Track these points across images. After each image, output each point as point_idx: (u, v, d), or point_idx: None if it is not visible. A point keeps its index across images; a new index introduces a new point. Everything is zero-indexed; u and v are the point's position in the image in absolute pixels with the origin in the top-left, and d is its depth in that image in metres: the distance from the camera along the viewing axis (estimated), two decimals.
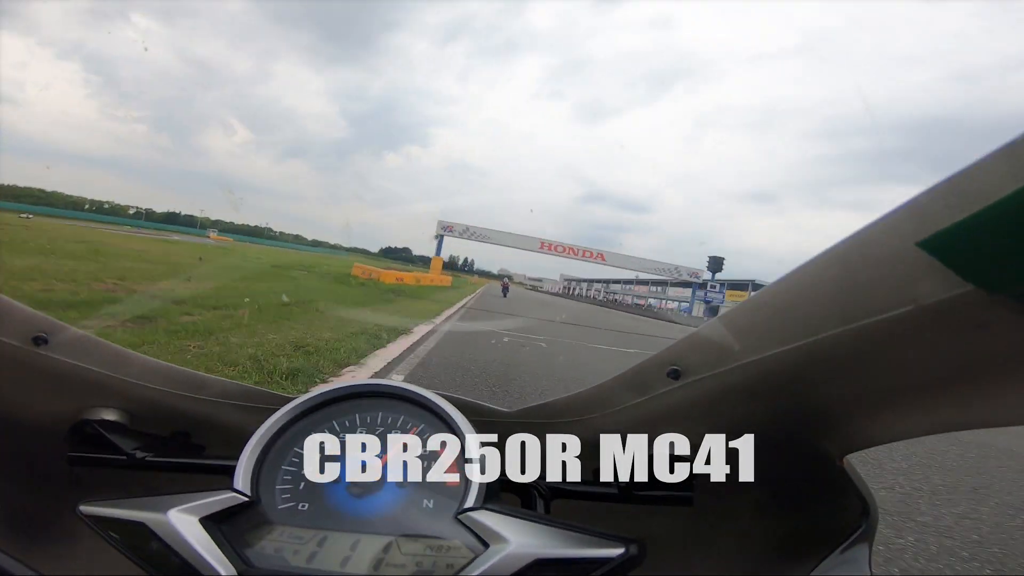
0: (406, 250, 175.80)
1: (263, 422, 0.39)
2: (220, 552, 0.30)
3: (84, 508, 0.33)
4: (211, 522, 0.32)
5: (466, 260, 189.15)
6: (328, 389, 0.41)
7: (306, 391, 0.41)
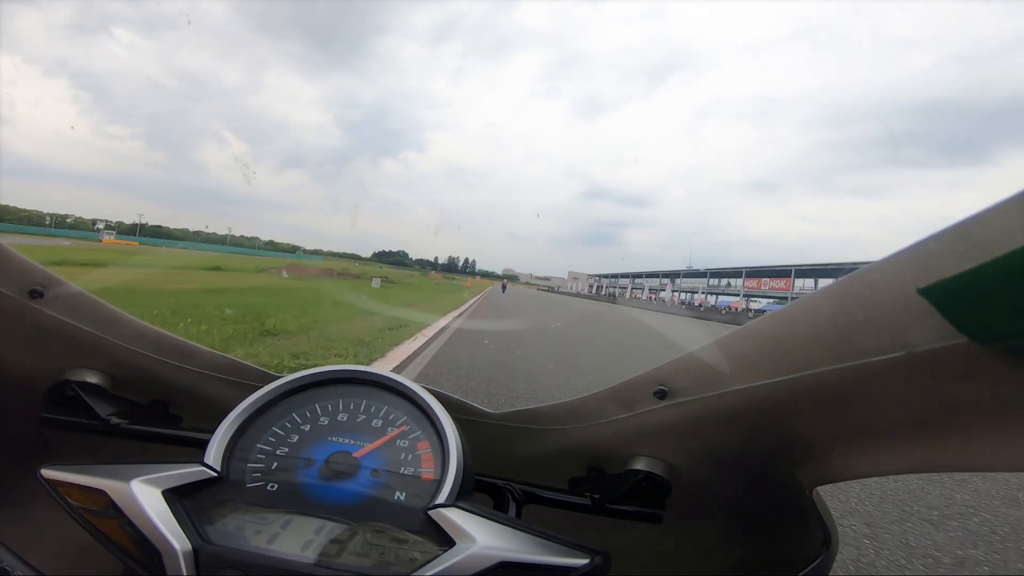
0: (401, 253, 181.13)
1: (245, 398, 0.40)
2: (178, 525, 0.31)
3: (45, 472, 0.33)
4: (174, 495, 0.32)
5: (467, 260, 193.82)
6: (314, 371, 0.42)
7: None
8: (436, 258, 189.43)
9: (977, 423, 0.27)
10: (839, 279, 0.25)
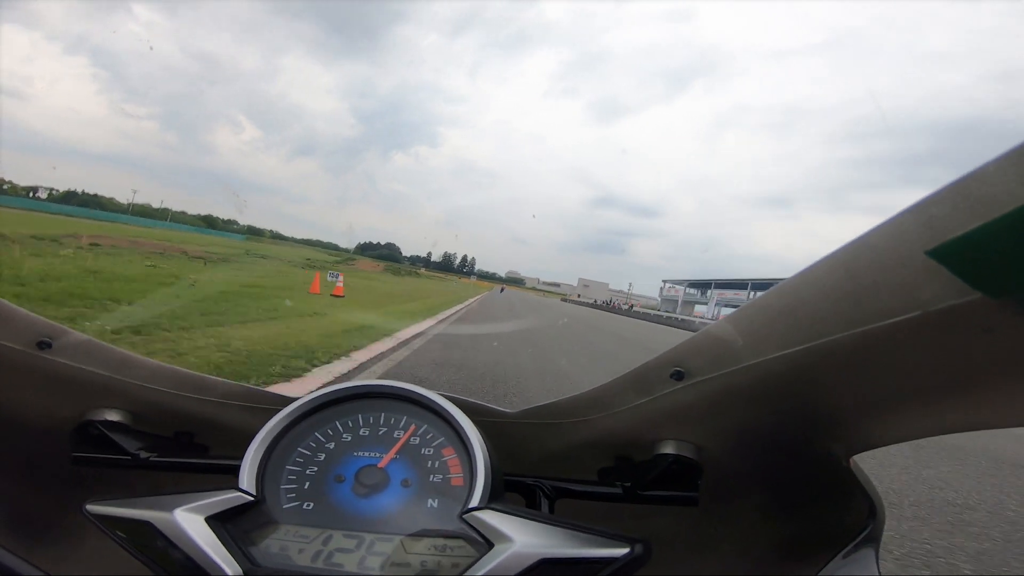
0: (390, 246, 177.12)
1: (266, 422, 0.44)
2: (226, 551, 0.34)
3: (91, 507, 0.37)
4: (216, 521, 0.36)
5: (465, 259, 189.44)
6: (331, 390, 0.47)
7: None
8: (429, 254, 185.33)
9: (1005, 377, 0.28)
10: (844, 245, 0.27)
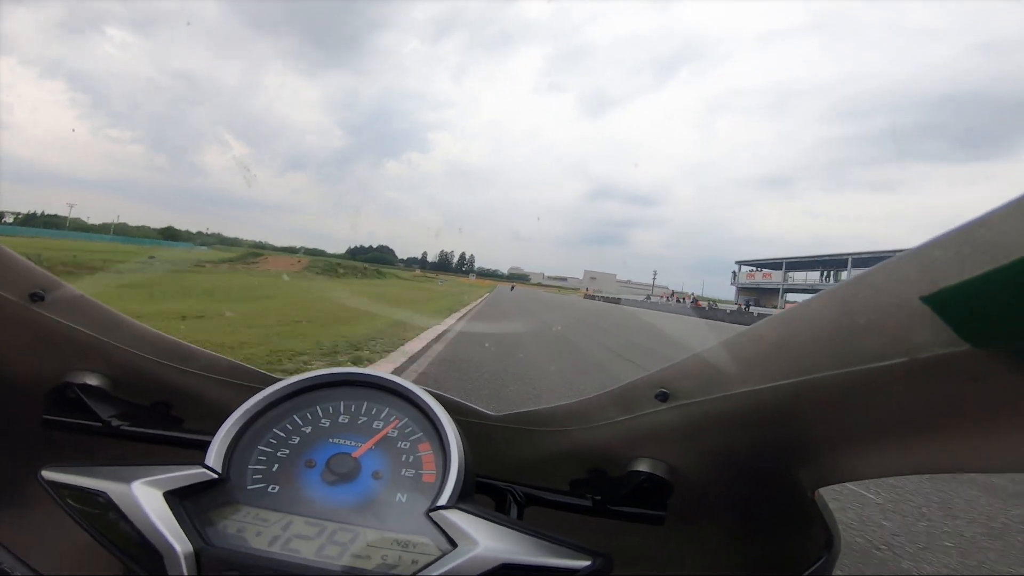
0: (383, 249, 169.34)
1: (246, 400, 0.44)
2: (179, 527, 0.33)
3: (46, 473, 0.37)
4: (175, 497, 0.36)
5: (463, 257, 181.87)
6: (315, 374, 0.47)
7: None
8: (424, 254, 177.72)
9: (980, 424, 0.29)
10: (842, 282, 0.28)
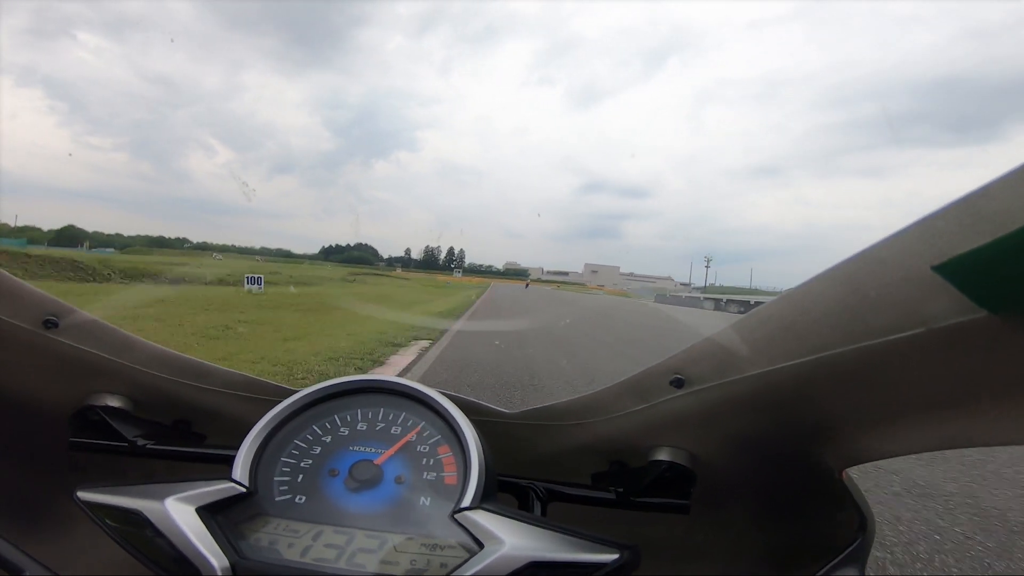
0: (362, 247, 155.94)
1: (265, 413, 0.46)
2: (214, 543, 0.35)
3: (81, 494, 0.39)
4: (207, 512, 0.38)
5: (452, 253, 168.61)
6: (331, 383, 0.49)
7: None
8: (408, 251, 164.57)
9: (1003, 395, 0.30)
10: (849, 258, 0.28)
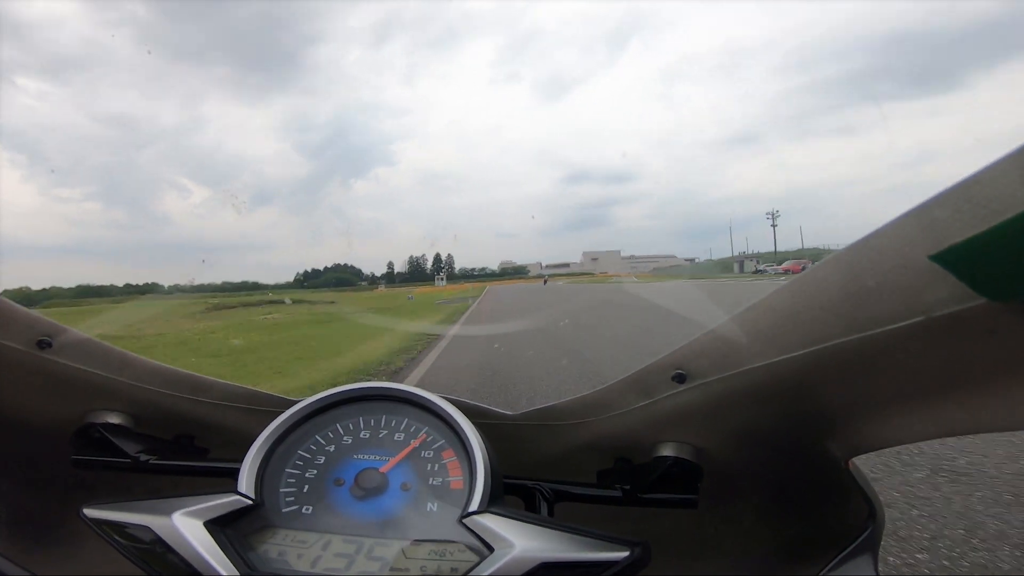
0: (340, 268, 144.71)
1: (266, 425, 0.47)
2: (224, 556, 0.36)
3: (88, 511, 0.40)
4: (215, 525, 0.38)
5: (438, 259, 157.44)
6: (332, 392, 0.50)
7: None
8: (391, 264, 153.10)
9: (1004, 380, 0.31)
10: (846, 247, 0.29)
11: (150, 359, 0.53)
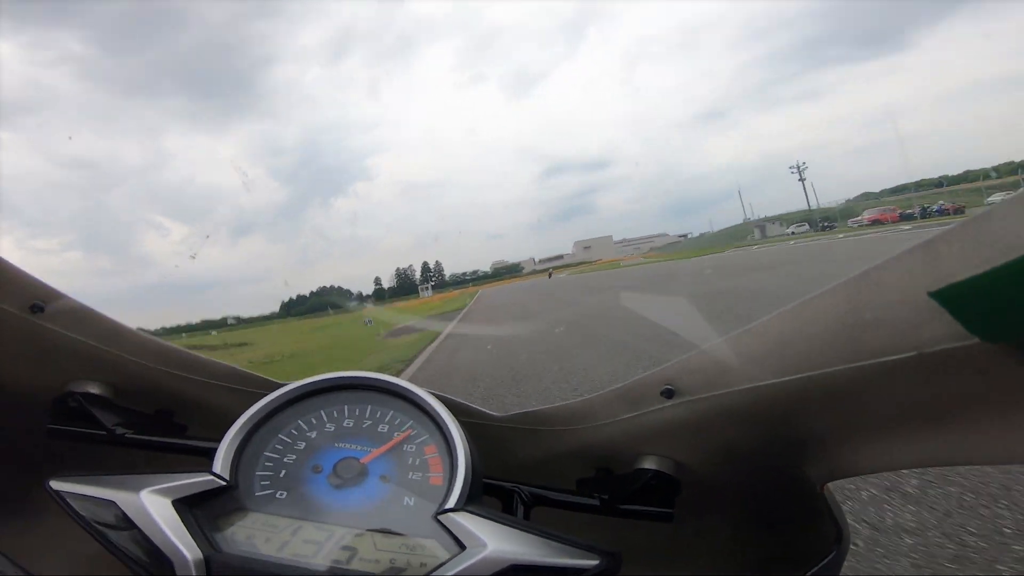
0: (326, 291, 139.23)
1: (250, 406, 0.47)
2: (189, 535, 0.36)
3: (54, 483, 0.39)
4: (184, 505, 0.38)
5: (427, 268, 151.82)
6: (319, 378, 0.50)
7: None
8: (377, 280, 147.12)
9: (987, 416, 0.31)
10: (847, 279, 0.30)
11: (140, 331, 0.52)
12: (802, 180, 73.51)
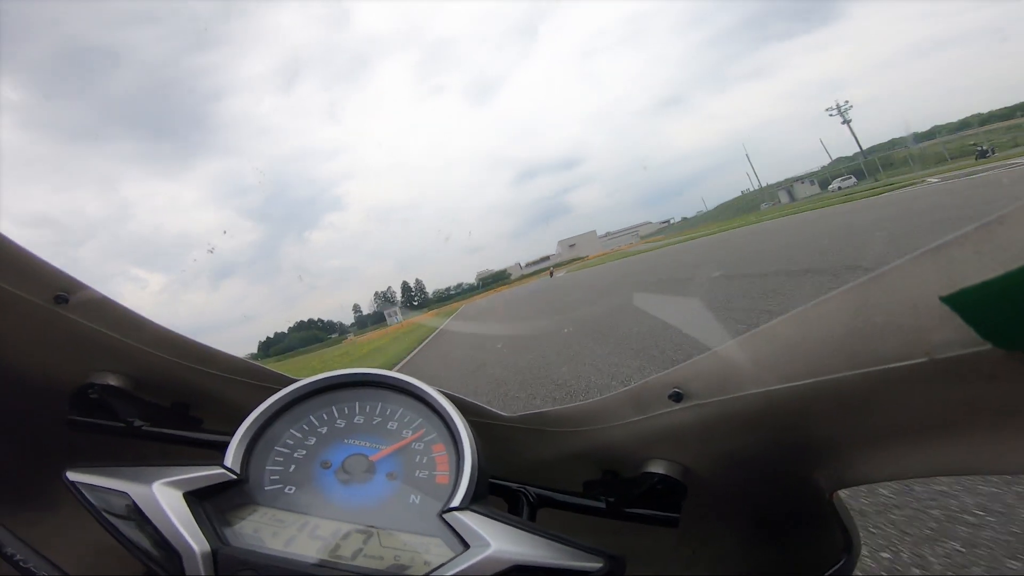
0: (304, 325, 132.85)
1: (263, 400, 0.48)
2: (198, 528, 0.37)
3: (71, 474, 0.40)
4: (194, 497, 0.39)
5: (407, 288, 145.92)
6: (331, 374, 0.51)
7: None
8: (356, 307, 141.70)
9: (998, 424, 0.31)
10: (859, 282, 0.30)
11: (161, 325, 0.53)
12: (847, 122, 63.61)
